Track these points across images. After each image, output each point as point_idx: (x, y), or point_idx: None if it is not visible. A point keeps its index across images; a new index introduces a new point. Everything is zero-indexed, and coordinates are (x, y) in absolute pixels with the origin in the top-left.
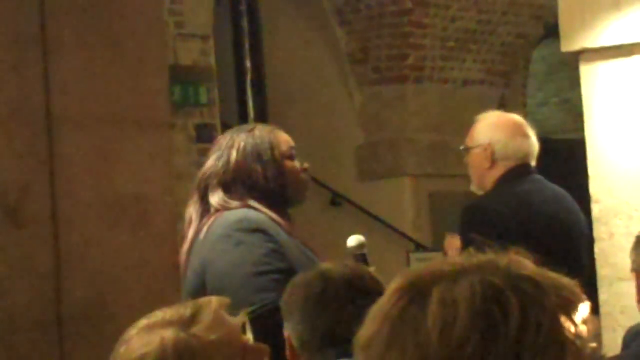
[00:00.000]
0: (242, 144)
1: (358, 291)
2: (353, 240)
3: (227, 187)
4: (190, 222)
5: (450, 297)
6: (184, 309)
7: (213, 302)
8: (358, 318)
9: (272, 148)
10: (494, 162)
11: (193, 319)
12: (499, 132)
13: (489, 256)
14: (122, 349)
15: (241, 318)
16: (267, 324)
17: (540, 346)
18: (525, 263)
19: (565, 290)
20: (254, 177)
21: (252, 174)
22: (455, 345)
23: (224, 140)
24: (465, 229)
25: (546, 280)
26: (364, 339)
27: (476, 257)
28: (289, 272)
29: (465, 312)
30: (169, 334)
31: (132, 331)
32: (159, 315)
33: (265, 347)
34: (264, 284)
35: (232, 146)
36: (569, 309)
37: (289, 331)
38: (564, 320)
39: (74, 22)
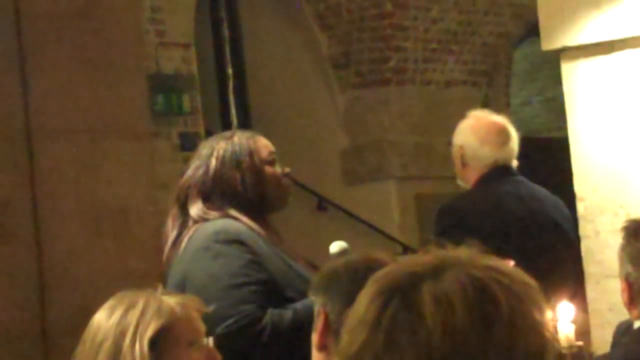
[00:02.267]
0: (221, 152)
1: None
2: (335, 247)
3: (207, 197)
4: (169, 234)
5: (442, 294)
6: None
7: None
8: None
9: (251, 154)
10: (464, 164)
11: None
12: (470, 137)
13: (450, 252)
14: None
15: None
16: (247, 336)
17: (529, 329)
18: (483, 255)
19: (525, 279)
20: (232, 185)
21: (231, 182)
22: (458, 339)
23: (203, 148)
24: (438, 230)
25: (509, 270)
26: (352, 350)
27: (440, 254)
28: (267, 283)
29: (460, 306)
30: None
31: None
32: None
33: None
34: (243, 296)
35: (211, 154)
36: (535, 297)
37: (327, 308)
38: (534, 308)
39: (52, 34)
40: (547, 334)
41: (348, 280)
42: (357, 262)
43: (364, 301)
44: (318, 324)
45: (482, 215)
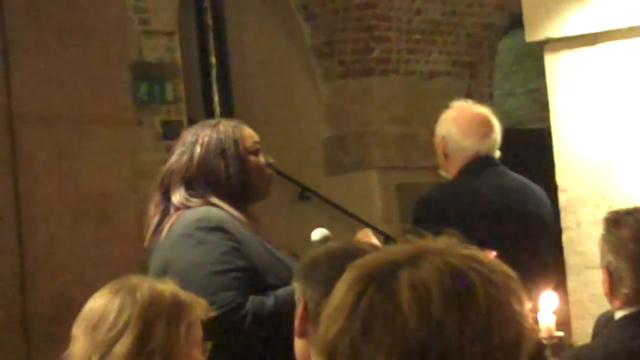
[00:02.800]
0: (206, 139)
1: None
2: (317, 234)
3: (189, 184)
4: (151, 220)
5: (419, 282)
6: None
7: None
8: None
9: (236, 143)
10: (446, 154)
11: None
12: (453, 128)
13: (428, 241)
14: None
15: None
16: (229, 323)
17: (505, 319)
18: (462, 245)
19: (503, 268)
20: (216, 172)
21: (215, 169)
22: (434, 326)
23: (188, 135)
24: (417, 220)
25: (487, 259)
26: (329, 337)
27: (418, 243)
28: (249, 270)
29: (437, 294)
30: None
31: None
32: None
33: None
34: (225, 283)
35: (195, 142)
36: (513, 286)
37: (307, 296)
38: (512, 297)
39: (34, 22)
40: (525, 324)
41: (327, 268)
42: (336, 249)
43: (342, 288)
44: (298, 310)
45: (460, 205)
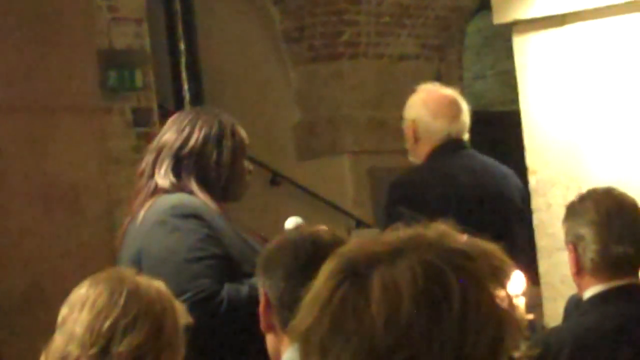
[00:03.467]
0: (207, 128)
1: None
2: (291, 223)
3: (178, 163)
4: (133, 201)
5: (392, 281)
6: None
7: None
8: None
9: (234, 137)
10: (417, 138)
11: None
12: (422, 111)
13: (418, 231)
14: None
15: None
16: (205, 310)
17: (481, 323)
18: (453, 234)
19: (493, 257)
20: (208, 157)
21: (208, 154)
22: (401, 330)
23: (186, 116)
24: (390, 203)
25: (475, 249)
26: (302, 328)
27: (406, 233)
28: (224, 258)
29: (408, 296)
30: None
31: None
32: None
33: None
34: (199, 270)
35: (195, 124)
36: (500, 276)
37: (266, 288)
38: (496, 289)
39: (1, 10)
40: (508, 320)
41: (289, 258)
42: (299, 238)
43: (322, 277)
44: (261, 305)
45: (433, 188)
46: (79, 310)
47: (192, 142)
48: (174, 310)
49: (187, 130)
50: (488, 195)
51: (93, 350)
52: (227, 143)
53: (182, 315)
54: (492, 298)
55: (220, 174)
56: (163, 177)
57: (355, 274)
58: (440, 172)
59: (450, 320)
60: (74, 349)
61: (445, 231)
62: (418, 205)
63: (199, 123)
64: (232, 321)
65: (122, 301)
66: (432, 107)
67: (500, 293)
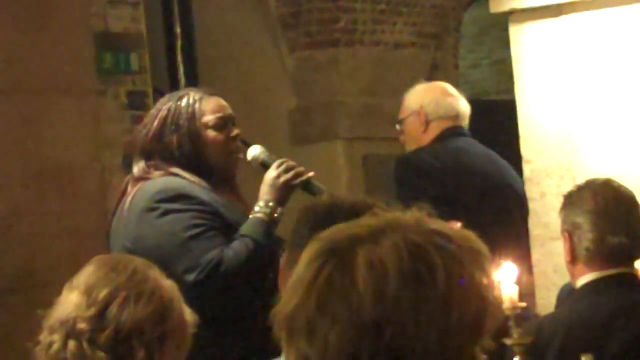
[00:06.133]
0: (164, 113)
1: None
2: (255, 150)
3: (148, 157)
4: (121, 192)
5: (377, 259)
6: None
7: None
8: None
9: (192, 119)
10: (427, 123)
11: None
12: (428, 94)
13: (396, 214)
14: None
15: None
16: (216, 280)
17: (465, 298)
18: (430, 219)
19: (471, 241)
20: (169, 147)
21: (168, 144)
22: (389, 305)
23: (153, 108)
24: (399, 180)
25: (454, 232)
26: (287, 310)
27: (385, 217)
28: (221, 227)
29: (394, 272)
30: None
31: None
32: None
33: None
34: (203, 245)
35: (156, 115)
36: (479, 258)
37: (289, 257)
38: (476, 270)
39: None
40: (490, 299)
41: (311, 220)
42: (318, 201)
43: (304, 260)
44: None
45: (442, 167)
46: (81, 278)
47: (149, 136)
48: (182, 305)
49: (148, 125)
50: (493, 182)
51: (90, 312)
52: (184, 127)
53: (190, 317)
54: (474, 277)
55: (189, 158)
56: (140, 174)
57: (338, 254)
58: (448, 153)
59: (436, 295)
60: (72, 311)
61: (422, 216)
62: (427, 182)
63: (159, 114)
64: (236, 279)
65: (125, 275)
66: (438, 89)
67: (481, 274)
